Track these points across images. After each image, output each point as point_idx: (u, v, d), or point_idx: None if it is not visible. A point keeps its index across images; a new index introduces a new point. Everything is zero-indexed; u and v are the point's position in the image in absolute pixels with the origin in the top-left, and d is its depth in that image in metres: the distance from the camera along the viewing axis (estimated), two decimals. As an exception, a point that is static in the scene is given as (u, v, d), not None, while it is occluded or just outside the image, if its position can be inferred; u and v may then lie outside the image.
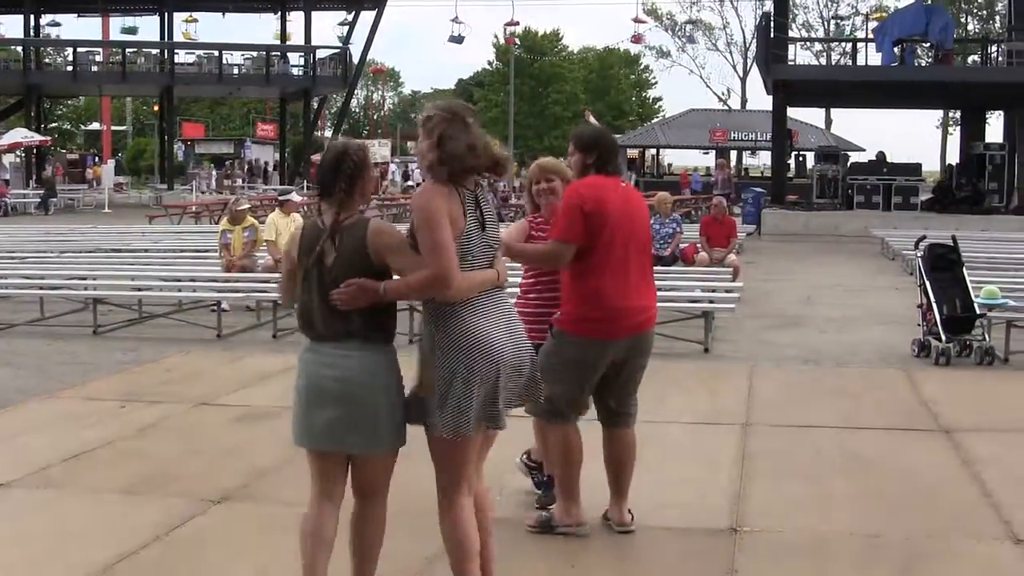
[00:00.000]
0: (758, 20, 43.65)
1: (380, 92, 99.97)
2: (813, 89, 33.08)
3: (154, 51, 48.10)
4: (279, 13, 53.01)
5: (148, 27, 65.33)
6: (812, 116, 56.30)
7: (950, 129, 65.46)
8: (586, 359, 5.29)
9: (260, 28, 58.12)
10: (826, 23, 66.16)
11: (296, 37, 51.88)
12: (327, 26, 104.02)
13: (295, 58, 49.77)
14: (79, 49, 47.88)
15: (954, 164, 33.86)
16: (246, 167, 53.28)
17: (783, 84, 29.99)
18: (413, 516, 5.91)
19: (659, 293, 6.02)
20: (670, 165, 63.93)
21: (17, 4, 46.57)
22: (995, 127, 41.59)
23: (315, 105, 52.42)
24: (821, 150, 33.70)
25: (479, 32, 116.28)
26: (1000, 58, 33.40)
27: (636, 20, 56.00)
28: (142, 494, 6.34)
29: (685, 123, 56.22)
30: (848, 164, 31.53)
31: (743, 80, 76.94)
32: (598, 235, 5.29)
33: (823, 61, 57.97)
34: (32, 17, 49.73)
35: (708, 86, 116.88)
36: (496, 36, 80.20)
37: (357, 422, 4.26)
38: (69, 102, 74.43)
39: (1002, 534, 5.60)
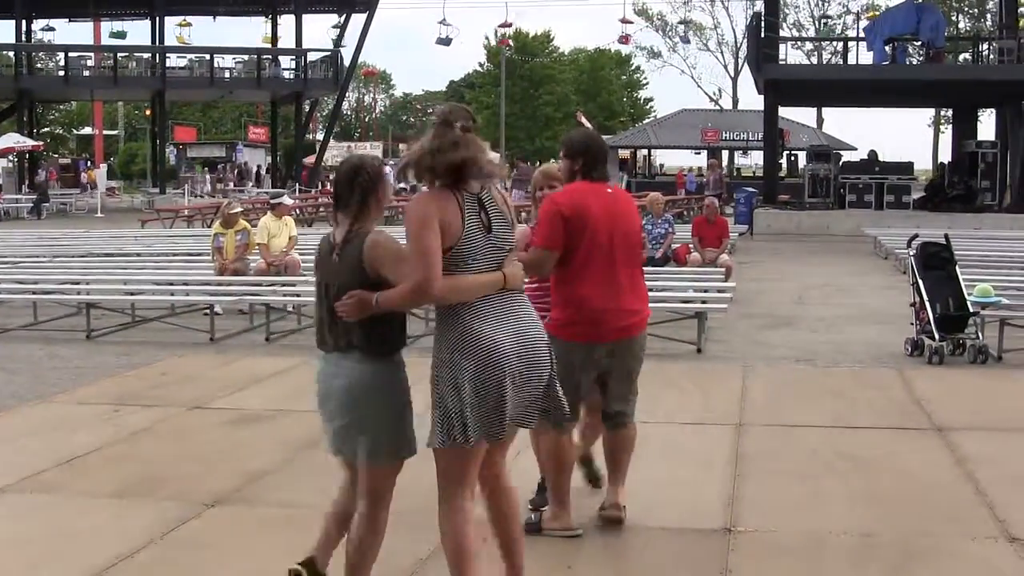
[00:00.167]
0: (749, 20, 43.69)
1: (371, 94, 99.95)
2: (804, 88, 33.10)
3: (145, 55, 47.98)
4: (270, 16, 52.95)
5: (139, 31, 65.29)
6: (804, 115, 56.35)
7: (942, 127, 65.53)
8: (573, 363, 5.30)
9: (251, 31, 58.59)
10: (817, 22, 66.23)
11: (286, 40, 51.81)
12: (318, 29, 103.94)
13: (286, 61, 49.70)
14: (71, 53, 47.78)
15: (946, 162, 33.91)
16: (235, 171, 53.17)
17: (774, 84, 30.02)
18: (410, 515, 5.91)
19: (652, 294, 6.04)
20: (662, 166, 63.93)
21: (8, 9, 46.45)
22: (987, 125, 41.73)
23: (306, 108, 52.37)
24: (813, 149, 33.72)
25: (470, 34, 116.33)
26: (991, 56, 33.48)
27: (623, 21, 56.01)
28: (136, 497, 6.33)
29: (677, 123, 56.21)
30: (840, 163, 31.53)
31: (734, 80, 77.03)
32: (579, 241, 5.35)
33: (814, 60, 58.14)
34: (23, 22, 49.60)
35: (699, 86, 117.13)
36: (487, 38, 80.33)
37: (358, 431, 4.37)
38: (61, 107, 74.30)
39: (996, 532, 5.61)
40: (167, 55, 47.63)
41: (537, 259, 5.33)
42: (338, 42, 50.03)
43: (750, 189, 31.28)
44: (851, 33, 51.92)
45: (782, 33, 39.29)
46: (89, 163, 59.88)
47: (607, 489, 5.79)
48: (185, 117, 74.76)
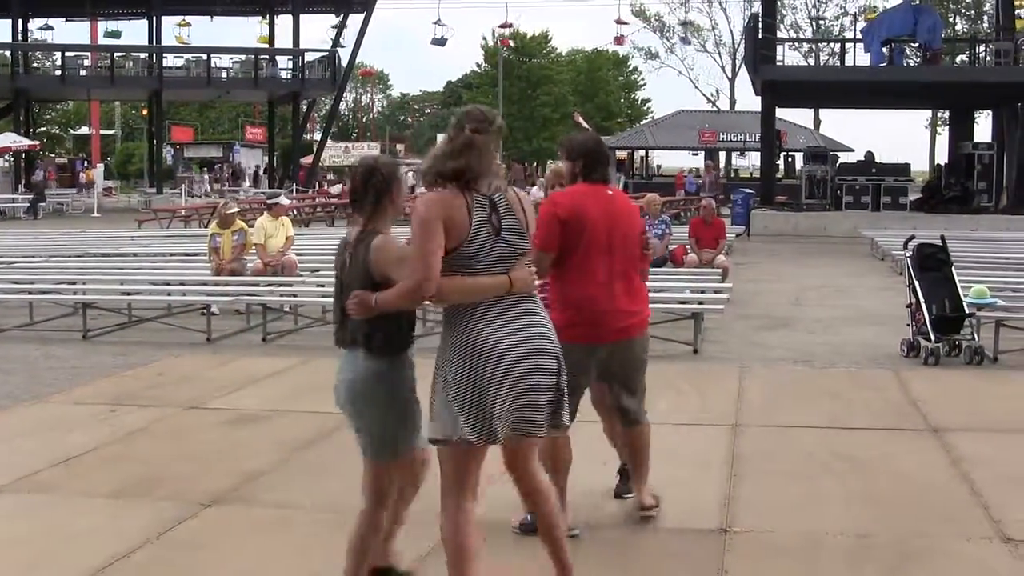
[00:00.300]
0: (746, 21, 43.74)
1: (369, 95, 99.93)
2: (801, 90, 33.15)
3: (142, 55, 47.98)
4: (267, 16, 52.93)
5: (137, 31, 65.23)
6: (801, 117, 56.48)
7: (939, 129, 65.61)
8: (572, 364, 5.31)
9: (249, 31, 58.51)
10: (813, 23, 66.31)
11: (283, 40, 51.83)
12: (315, 29, 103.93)
13: (283, 61, 49.72)
14: (67, 53, 47.76)
15: (943, 164, 33.95)
16: (230, 171, 53.17)
17: (771, 85, 30.05)
18: (408, 513, 5.92)
19: (648, 295, 6.05)
20: (659, 167, 63.95)
21: (4, 8, 46.42)
22: (984, 127, 41.80)
23: (304, 108, 52.38)
24: (810, 151, 33.74)
25: (467, 34, 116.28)
26: (988, 58, 33.52)
27: (618, 22, 56.11)
28: (132, 498, 6.33)
29: (674, 124, 56.21)
30: (837, 164, 31.56)
31: (732, 81, 77.06)
32: (577, 242, 5.39)
33: (811, 62, 58.20)
34: (20, 21, 49.58)
35: (697, 87, 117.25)
36: (485, 38, 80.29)
37: (360, 426, 4.50)
38: (58, 106, 74.26)
39: (991, 533, 5.62)
40: (164, 55, 47.61)
41: (533, 260, 5.35)
42: (336, 42, 50.03)
43: (747, 190, 31.31)
44: (848, 34, 52.04)
45: (779, 34, 39.32)
46: (86, 163, 59.86)
47: (634, 490, 5.93)
48: (182, 117, 74.75)
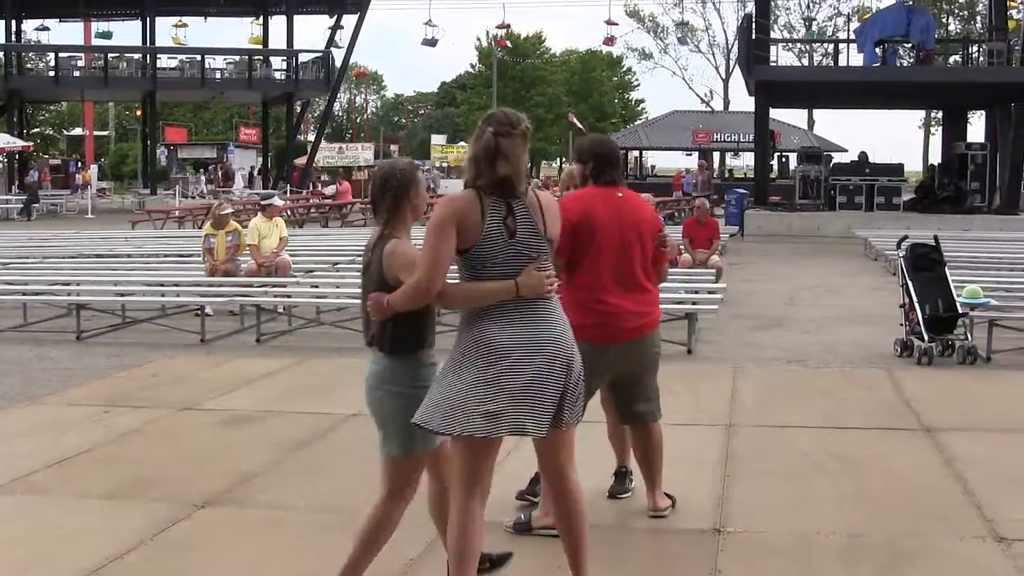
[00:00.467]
0: (740, 21, 43.75)
1: (363, 95, 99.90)
2: (795, 90, 33.17)
3: (136, 56, 47.92)
4: (260, 17, 52.89)
5: (131, 32, 65.16)
6: (795, 117, 56.48)
7: (932, 129, 65.72)
8: (584, 365, 5.33)
9: (243, 32, 58.45)
10: (807, 24, 66.39)
11: (277, 41, 51.79)
12: (309, 30, 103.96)
13: (277, 62, 49.70)
14: (61, 54, 47.71)
15: (936, 164, 33.99)
16: (219, 172, 53.04)
17: (765, 85, 30.06)
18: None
19: (659, 296, 6.10)
20: (653, 167, 64.01)
21: (-2, 9, 46.43)
22: (977, 127, 41.87)
23: (298, 109, 52.35)
24: (804, 151, 33.74)
25: (462, 35, 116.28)
26: (981, 58, 33.57)
27: (608, 22, 56.18)
28: (126, 499, 6.33)
29: (668, 125, 56.27)
30: (831, 165, 31.58)
31: (725, 81, 77.14)
32: (588, 245, 5.45)
33: (805, 62, 58.24)
34: (13, 22, 49.52)
35: (691, 87, 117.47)
36: (479, 39, 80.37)
37: (377, 423, 4.61)
38: (51, 107, 74.17)
39: (984, 532, 5.63)
40: (158, 56, 47.55)
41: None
42: (330, 43, 50.00)
43: (741, 190, 31.35)
44: (842, 35, 52.10)
45: (773, 35, 39.38)
46: (80, 164, 59.80)
47: (646, 494, 5.95)
48: (176, 118, 74.70)
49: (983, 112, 36.63)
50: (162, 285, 14.58)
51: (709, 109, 69.16)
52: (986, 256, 17.66)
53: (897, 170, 30.44)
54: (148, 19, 47.98)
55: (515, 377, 4.24)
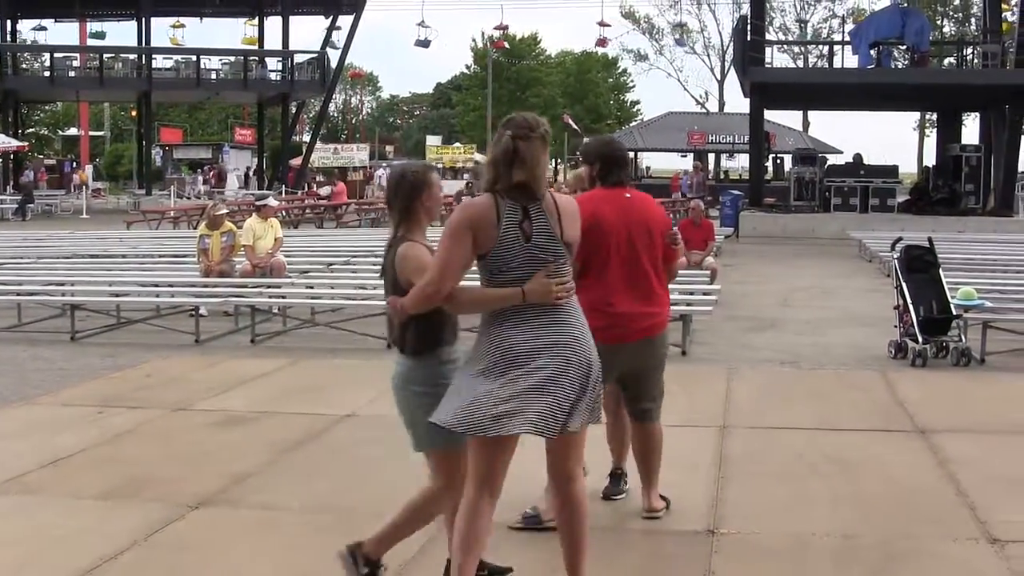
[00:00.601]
0: (735, 23, 43.82)
1: (358, 96, 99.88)
2: (790, 92, 33.21)
3: (132, 56, 47.86)
4: (256, 18, 52.84)
5: (126, 32, 65.16)
6: (790, 119, 56.55)
7: (927, 131, 65.83)
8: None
9: (239, 33, 58.08)
10: (801, 26, 66.51)
11: (272, 42, 51.72)
12: (305, 31, 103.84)
13: (273, 63, 49.66)
14: (56, 54, 47.62)
15: (931, 166, 34.03)
16: (211, 173, 52.91)
17: (760, 87, 30.09)
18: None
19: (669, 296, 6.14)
20: (648, 168, 64.03)
21: (-7, 9, 46.32)
22: (971, 129, 41.92)
23: (293, 110, 52.32)
24: (798, 152, 33.77)
25: (457, 36, 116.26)
26: (976, 60, 33.62)
27: (601, 24, 56.30)
28: (120, 499, 6.33)
29: (663, 126, 56.35)
30: (825, 166, 31.60)
31: (721, 83, 77.26)
32: (597, 247, 5.47)
33: (800, 64, 58.33)
34: (8, 22, 49.45)
35: (686, 89, 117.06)
36: (474, 40, 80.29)
37: (405, 422, 4.70)
38: (46, 107, 74.04)
39: (977, 534, 5.65)
40: (153, 56, 47.49)
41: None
42: (325, 44, 50.00)
43: (736, 192, 31.34)
44: (836, 37, 52.16)
45: (768, 37, 39.40)
46: (75, 164, 59.74)
47: (641, 494, 5.98)
48: (171, 118, 74.60)
49: (977, 114, 36.65)
50: (157, 285, 14.56)
51: (704, 111, 69.28)
52: (980, 258, 17.69)
53: (892, 172, 30.49)
54: (143, 19, 47.92)
55: (528, 379, 4.26)
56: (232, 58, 49.51)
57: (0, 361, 11.07)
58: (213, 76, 49.02)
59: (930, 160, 42.14)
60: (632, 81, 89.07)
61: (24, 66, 51.91)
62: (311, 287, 14.33)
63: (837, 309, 14.68)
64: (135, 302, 13.92)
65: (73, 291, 13.84)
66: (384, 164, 65.66)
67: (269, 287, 13.71)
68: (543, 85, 78.10)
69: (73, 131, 74.86)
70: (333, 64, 49.95)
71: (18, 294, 14.07)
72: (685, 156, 56.26)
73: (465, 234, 4.28)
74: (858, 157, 31.06)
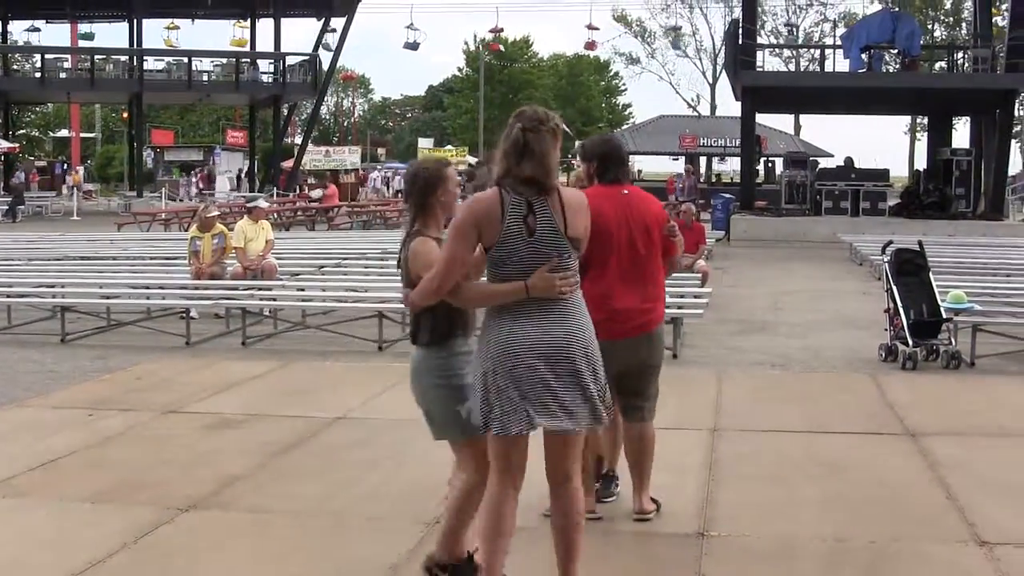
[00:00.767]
0: (727, 26, 43.88)
1: (350, 99, 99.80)
2: (782, 95, 33.23)
3: (123, 57, 47.76)
4: (247, 20, 52.78)
5: (118, 34, 65.01)
6: (781, 122, 56.66)
7: (918, 135, 66.00)
8: None
9: (231, 35, 57.78)
10: (790, 30, 66.59)
11: (264, 44, 51.68)
12: (296, 33, 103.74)
13: (265, 65, 49.61)
14: (47, 55, 47.53)
15: (921, 170, 34.09)
16: (199, 175, 52.77)
17: (752, 90, 30.12)
18: (381, 520, 5.93)
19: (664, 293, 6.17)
20: (640, 171, 64.06)
21: (-16, 10, 46.28)
22: (962, 133, 41.96)
23: (285, 112, 52.26)
24: (790, 156, 33.79)
25: (449, 38, 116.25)
26: (966, 64, 33.70)
27: (589, 27, 56.47)
28: (110, 502, 6.31)
29: (655, 129, 56.37)
30: (817, 170, 31.63)
31: (712, 86, 77.40)
32: (595, 244, 5.43)
33: (792, 67, 58.40)
34: (0, 23, 49.36)
35: (678, 92, 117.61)
36: (467, 43, 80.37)
37: (423, 412, 4.81)
38: (37, 109, 73.93)
39: (967, 536, 5.66)
40: (144, 58, 47.40)
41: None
42: (317, 46, 49.97)
43: (727, 195, 31.37)
44: (828, 41, 52.26)
45: (760, 40, 39.47)
46: (66, 166, 59.62)
47: (632, 496, 6.00)
48: (163, 120, 74.49)
49: (968, 118, 36.74)
50: (148, 288, 14.55)
51: (696, 114, 69.34)
52: (970, 261, 17.72)
53: (882, 175, 30.54)
54: (135, 21, 47.84)
55: (525, 376, 4.29)
56: (224, 60, 49.41)
57: (-10, 363, 11.04)
58: (205, 78, 48.95)
59: (921, 164, 42.23)
60: (624, 84, 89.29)
61: (15, 67, 51.84)
62: (302, 289, 14.32)
63: (828, 312, 14.70)
64: (126, 304, 13.90)
65: (63, 293, 13.80)
66: (379, 167, 65.73)
67: (260, 289, 13.70)
68: (535, 88, 78.12)
69: (64, 132, 74.72)
70: (325, 66, 49.93)
71: (8, 296, 14.04)
72: (677, 159, 56.29)
73: (470, 230, 4.33)
74: (849, 161, 31.11)
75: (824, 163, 37.46)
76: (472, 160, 53.27)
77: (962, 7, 63.95)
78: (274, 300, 13.42)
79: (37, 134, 77.98)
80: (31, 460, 7.16)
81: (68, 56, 49.57)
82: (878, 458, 7.22)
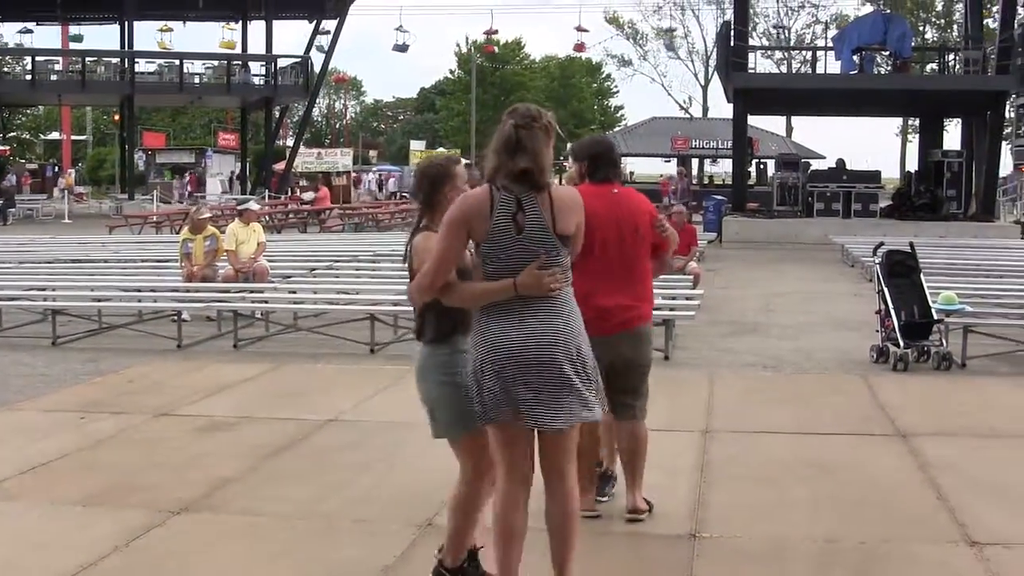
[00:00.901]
0: (719, 28, 43.94)
1: (342, 101, 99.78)
2: (773, 97, 33.30)
3: (114, 60, 47.65)
4: (239, 22, 52.73)
5: (110, 36, 65.02)
6: (773, 124, 56.80)
7: (909, 137, 66.11)
8: None
9: (224, 37, 57.67)
10: (779, 32, 66.74)
11: (255, 46, 51.67)
12: (289, 35, 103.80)
13: (256, 67, 49.55)
14: (38, 57, 47.41)
15: (913, 171, 34.17)
16: (188, 178, 52.71)
17: (743, 92, 30.17)
18: (371, 523, 5.93)
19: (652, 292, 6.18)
20: (632, 173, 64.15)
21: (-27, 12, 46.15)
22: (953, 135, 42.11)
23: (277, 114, 52.20)
24: (782, 158, 33.87)
25: (442, 40, 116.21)
26: (957, 66, 33.78)
27: (579, 29, 56.70)
28: (101, 505, 6.30)
29: (647, 131, 56.48)
30: (808, 171, 31.69)
31: (704, 88, 77.51)
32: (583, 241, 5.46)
33: (783, 69, 58.50)
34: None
35: (670, 94, 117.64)
36: (458, 45, 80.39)
37: (427, 410, 4.82)
38: (28, 111, 73.79)
39: (957, 537, 5.67)
40: (136, 60, 47.31)
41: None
42: (309, 48, 49.95)
43: (719, 197, 31.41)
44: (819, 43, 52.36)
45: (752, 42, 39.53)
46: (57, 168, 59.52)
47: (626, 494, 6.04)
48: (154, 123, 74.40)
49: (959, 120, 36.82)
50: (139, 290, 14.53)
51: (688, 116, 69.46)
52: (961, 263, 17.77)
53: (874, 177, 30.60)
54: (127, 23, 47.76)
55: (512, 371, 4.30)
56: (215, 62, 49.36)
57: (-19, 366, 11.02)
58: (196, 80, 48.85)
59: (912, 165, 42.27)
60: (616, 86, 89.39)
61: (6, 69, 51.69)
62: (294, 292, 14.31)
63: (819, 314, 14.72)
64: (117, 307, 13.87)
65: (55, 296, 13.77)
66: (373, 169, 65.67)
67: (252, 292, 13.69)
68: (527, 90, 78.15)
69: (55, 135, 74.59)
70: (317, 68, 49.90)
71: (-1, 299, 14.01)
72: (669, 161, 56.41)
73: (460, 227, 4.34)
74: (841, 162, 31.17)
75: (816, 165, 37.52)
76: (464, 162, 53.22)
77: (953, 9, 64.13)
78: (266, 302, 13.41)
79: (28, 137, 77.82)
80: (22, 463, 7.14)
81: (59, 58, 49.44)
82: (869, 459, 7.24)
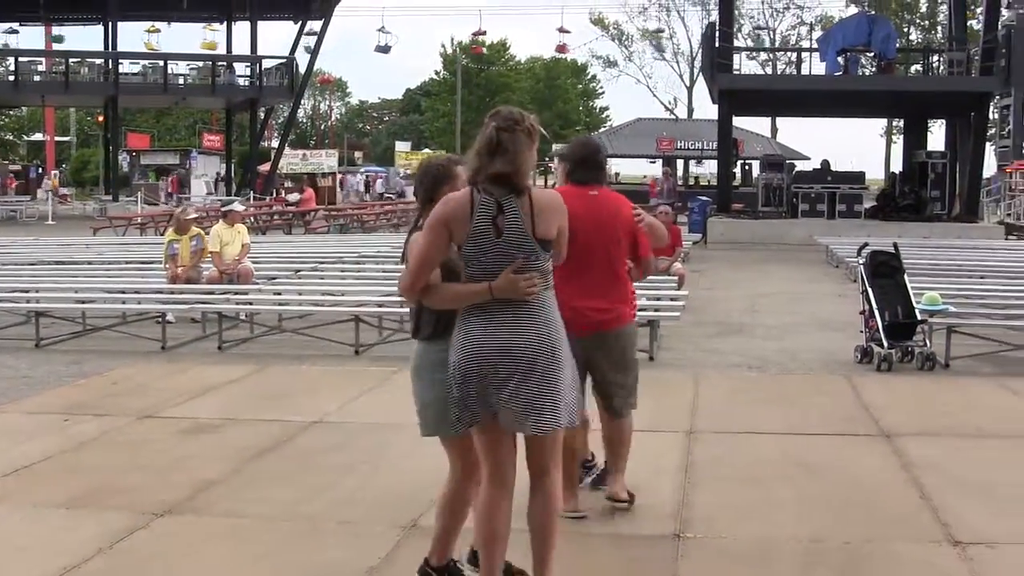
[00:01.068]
0: (704, 29, 44.02)
1: (327, 102, 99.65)
2: (758, 98, 33.35)
3: (98, 60, 47.49)
4: (223, 23, 52.63)
5: (93, 36, 64.72)
6: (758, 125, 56.89)
7: (894, 138, 66.38)
8: None
9: (208, 38, 57.39)
10: (764, 33, 66.90)
11: (240, 47, 51.57)
12: (273, 36, 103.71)
13: (241, 68, 49.47)
14: (21, 58, 47.22)
15: (897, 172, 34.27)
16: (170, 179, 52.54)
17: (728, 93, 30.22)
18: (357, 525, 5.92)
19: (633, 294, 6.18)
20: (617, 174, 64.20)
21: (-44, 13, 45.94)
22: (937, 136, 42.26)
23: (262, 115, 52.12)
24: (766, 159, 33.93)
25: (426, 41, 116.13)
26: (942, 68, 33.90)
27: (561, 30, 56.88)
28: (85, 508, 6.27)
29: (632, 132, 56.57)
30: (793, 172, 31.75)
31: (689, 89, 77.69)
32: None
33: (769, 70, 58.64)
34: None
35: (655, 95, 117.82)
36: (444, 46, 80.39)
37: (418, 409, 4.81)
38: (11, 112, 73.51)
39: (940, 536, 5.69)
40: (120, 61, 47.15)
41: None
42: (294, 49, 49.89)
43: (704, 198, 31.45)
44: (804, 44, 52.46)
45: (737, 43, 39.60)
46: (40, 169, 59.31)
47: (607, 479, 6.14)
48: (138, 124, 74.20)
49: (943, 121, 36.96)
50: (123, 292, 14.48)
51: (673, 117, 69.60)
52: (945, 263, 17.81)
53: (858, 178, 30.68)
54: (110, 23, 47.61)
55: (486, 375, 4.32)
56: (200, 63, 49.25)
57: (-36, 368, 10.96)
58: (181, 81, 48.74)
59: (896, 166, 42.43)
60: (601, 87, 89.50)
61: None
62: (279, 293, 14.29)
63: (804, 314, 14.75)
64: (101, 309, 13.81)
65: (38, 298, 13.71)
66: (360, 170, 65.61)
67: (236, 294, 13.66)
68: (512, 91, 78.26)
69: (38, 136, 74.31)
70: (302, 69, 49.83)
71: (-18, 301, 13.94)
72: (654, 162, 56.46)
73: (441, 229, 4.36)
74: (825, 163, 31.25)
75: (801, 166, 37.62)
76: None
77: (938, 11, 64.40)
78: (250, 304, 13.37)
79: (11, 138, 77.51)
80: (5, 466, 7.10)
81: (42, 59, 49.25)
82: (853, 459, 7.26)
